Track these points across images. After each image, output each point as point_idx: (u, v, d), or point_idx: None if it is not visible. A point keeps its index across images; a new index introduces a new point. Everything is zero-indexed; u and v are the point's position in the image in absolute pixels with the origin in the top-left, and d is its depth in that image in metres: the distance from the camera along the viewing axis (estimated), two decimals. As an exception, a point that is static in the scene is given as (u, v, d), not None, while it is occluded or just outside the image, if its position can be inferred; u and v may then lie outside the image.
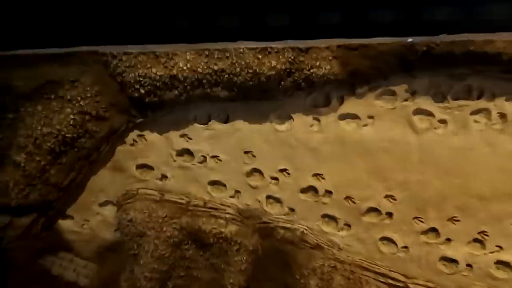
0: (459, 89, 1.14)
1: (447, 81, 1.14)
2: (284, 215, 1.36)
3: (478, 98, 1.14)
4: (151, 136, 1.40)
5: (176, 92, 1.26)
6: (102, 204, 1.50)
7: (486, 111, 1.14)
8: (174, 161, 1.39)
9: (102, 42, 1.36)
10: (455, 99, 1.15)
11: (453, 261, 1.27)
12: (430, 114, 1.18)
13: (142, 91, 1.28)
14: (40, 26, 1.56)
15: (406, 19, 1.23)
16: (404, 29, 1.14)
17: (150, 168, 1.42)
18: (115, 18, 1.50)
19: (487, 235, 1.23)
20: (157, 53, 1.23)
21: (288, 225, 1.36)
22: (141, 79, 1.26)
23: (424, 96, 1.16)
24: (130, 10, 1.48)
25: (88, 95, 1.33)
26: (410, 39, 1.07)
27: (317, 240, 1.34)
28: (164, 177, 1.42)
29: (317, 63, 1.14)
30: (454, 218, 1.24)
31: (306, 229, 1.34)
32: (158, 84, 1.26)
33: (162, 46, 1.26)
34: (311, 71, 1.14)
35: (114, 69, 1.29)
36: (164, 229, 1.42)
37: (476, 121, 1.16)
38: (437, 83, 1.15)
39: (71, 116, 1.31)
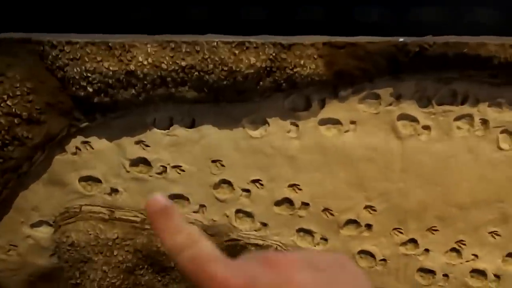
0: (444, 94, 1.07)
1: (434, 85, 1.06)
2: (255, 230, 1.20)
3: (462, 103, 1.08)
4: (99, 143, 1.15)
5: (133, 91, 1.04)
6: (34, 225, 1.22)
7: (469, 117, 1.09)
8: (127, 172, 1.16)
9: (38, 28, 1.09)
10: (440, 104, 1.08)
11: (430, 271, 1.21)
12: (414, 119, 1.10)
13: (90, 89, 1.04)
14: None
15: (391, 18, 1.15)
16: (389, 28, 1.04)
17: (97, 181, 1.18)
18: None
19: (464, 244, 1.19)
20: (110, 44, 1.00)
21: (260, 242, 1.20)
22: (88, 74, 1.02)
23: (409, 100, 1.08)
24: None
25: (18, 93, 1.06)
26: (401, 39, 0.98)
27: (291, 257, 1.20)
28: (114, 191, 1.18)
29: (301, 62, 1.00)
30: (433, 228, 1.17)
31: (279, 245, 1.20)
32: (110, 81, 1.03)
33: (116, 36, 1.03)
34: (295, 70, 1.00)
35: (53, 62, 1.03)
36: (115, 253, 1.18)
37: (459, 127, 1.10)
38: (423, 87, 1.06)
39: (-5, 119, 1.04)
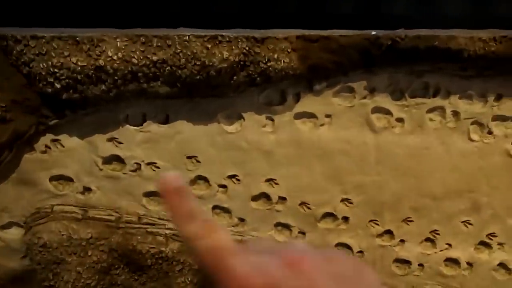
0: (416, 86, 1.08)
1: (406, 78, 1.07)
2: (233, 226, 1.19)
3: (434, 95, 1.09)
4: (70, 141, 1.12)
5: (103, 87, 1.01)
6: (3, 227, 1.17)
7: (441, 109, 1.10)
8: (100, 170, 1.13)
9: (0, 22, 1.05)
10: (413, 96, 1.09)
11: (406, 262, 1.23)
12: (388, 112, 1.10)
13: (58, 85, 1.00)
14: None
15: (363, 11, 1.15)
16: (361, 21, 1.04)
17: (69, 179, 1.14)
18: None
19: (438, 234, 1.21)
20: (78, 39, 0.97)
21: (238, 237, 1.19)
22: (56, 70, 0.99)
23: (382, 93, 1.08)
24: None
25: (-19, 90, 1.03)
26: (374, 32, 0.98)
27: (269, 252, 1.20)
28: (87, 190, 1.15)
29: (275, 56, 0.99)
30: (408, 219, 1.19)
31: (257, 240, 1.20)
32: (79, 77, 0.99)
33: (84, 30, 1.00)
34: (269, 64, 0.99)
35: (18, 57, 0.99)
36: (89, 253, 1.15)
37: (431, 119, 1.11)
38: (396, 80, 1.07)
39: (-43, 118, 0.99)
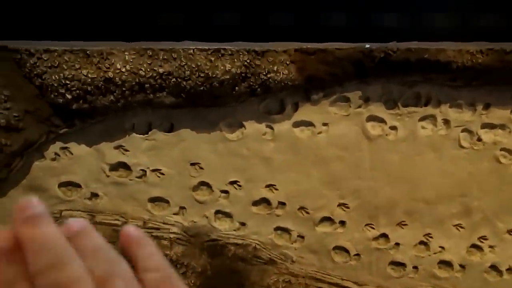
0: (409, 96, 1.15)
1: (399, 88, 1.14)
2: (234, 230, 1.24)
3: (426, 104, 1.16)
4: (78, 149, 1.18)
5: (111, 97, 1.07)
6: (13, 232, 1.23)
7: (432, 117, 1.17)
8: (107, 176, 1.19)
9: (14, 35, 1.11)
10: (405, 105, 1.16)
11: (401, 264, 1.29)
12: (382, 120, 1.17)
13: (69, 96, 1.07)
14: None
15: (356, 24, 1.22)
16: (354, 34, 1.11)
17: (77, 186, 1.20)
18: (32, 7, 1.25)
19: (431, 237, 1.27)
20: (88, 52, 1.03)
21: (240, 241, 1.25)
22: (67, 82, 1.05)
23: (376, 102, 1.15)
24: None
25: (-5, 100, 1.08)
26: (367, 45, 1.05)
27: (270, 255, 1.25)
28: (94, 195, 1.21)
29: (275, 68, 1.05)
30: (402, 223, 1.25)
31: (258, 244, 1.25)
32: (89, 88, 1.06)
33: (94, 44, 1.06)
34: (268, 76, 1.06)
35: (31, 69, 1.06)
36: (96, 256, 1.21)
37: (423, 127, 1.18)
38: (389, 90, 1.14)
39: (-28, 127, 1.05)
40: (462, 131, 1.13)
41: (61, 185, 1.17)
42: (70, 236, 0.33)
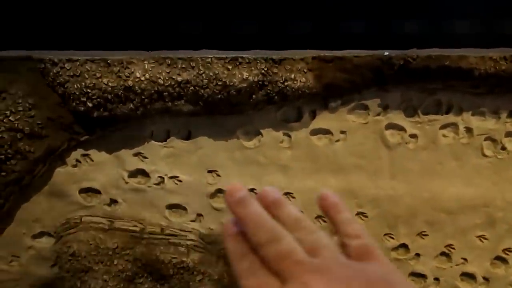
0: (429, 104, 1.13)
1: (419, 96, 1.12)
2: (251, 238, 1.24)
3: (447, 112, 1.14)
4: (98, 156, 1.20)
5: (131, 105, 1.09)
6: (35, 236, 1.26)
7: (454, 126, 1.15)
8: (126, 183, 1.21)
9: (38, 45, 1.15)
10: (426, 113, 1.14)
11: (422, 275, 1.26)
12: (401, 128, 1.15)
13: (90, 104, 1.10)
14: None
15: (375, 32, 1.21)
16: (373, 41, 1.10)
17: (97, 192, 1.23)
18: (56, 18, 1.29)
19: (453, 248, 1.24)
20: (109, 61, 1.06)
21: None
22: (88, 90, 1.08)
23: (396, 110, 1.14)
24: (75, 9, 1.28)
25: (20, 108, 1.12)
26: (386, 53, 1.04)
27: (286, 263, 1.25)
28: (113, 202, 1.23)
29: (292, 76, 1.06)
30: (423, 233, 1.23)
31: (275, 252, 1.25)
32: (109, 96, 1.08)
33: (115, 53, 1.09)
34: (286, 84, 1.06)
35: (54, 78, 1.09)
36: (115, 262, 1.22)
37: (444, 136, 1.16)
38: (409, 98, 1.12)
39: (-2, 134, 1.08)
40: (485, 139, 1.11)
41: (82, 191, 1.20)
42: (267, 205, 0.40)
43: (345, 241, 0.40)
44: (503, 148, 1.08)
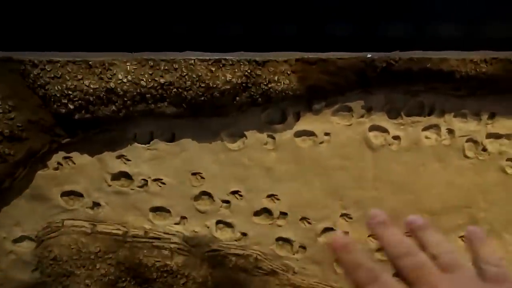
0: (412, 106, 1.14)
1: (402, 98, 1.13)
2: (236, 240, 1.24)
3: (429, 114, 1.15)
4: (80, 158, 1.19)
5: (113, 107, 1.08)
6: (16, 241, 1.24)
7: (436, 127, 1.16)
8: (109, 186, 1.20)
9: (18, 47, 1.13)
10: (408, 115, 1.15)
11: (406, 276, 1.27)
12: (385, 130, 1.16)
13: (71, 106, 1.08)
14: None
15: (360, 34, 1.22)
16: (358, 43, 1.11)
17: (79, 195, 1.21)
18: (36, 18, 1.27)
19: (436, 249, 1.25)
20: (90, 63, 1.05)
21: (241, 252, 1.24)
22: (69, 92, 1.07)
23: (379, 112, 1.14)
24: (56, 10, 1.26)
25: (0, 110, 1.10)
26: (369, 55, 1.04)
27: (271, 265, 1.25)
28: (96, 205, 1.22)
29: (275, 78, 1.06)
30: (407, 234, 1.24)
31: (259, 255, 1.24)
32: (91, 98, 1.07)
33: (96, 55, 1.08)
34: (269, 86, 1.06)
35: (35, 80, 1.07)
36: (97, 266, 1.21)
37: (427, 137, 1.17)
38: (392, 99, 1.13)
39: (-24, 136, 1.06)
40: (467, 141, 1.12)
41: (64, 194, 1.18)
42: (412, 229, 0.52)
43: (482, 266, 0.46)
44: (484, 150, 1.10)
